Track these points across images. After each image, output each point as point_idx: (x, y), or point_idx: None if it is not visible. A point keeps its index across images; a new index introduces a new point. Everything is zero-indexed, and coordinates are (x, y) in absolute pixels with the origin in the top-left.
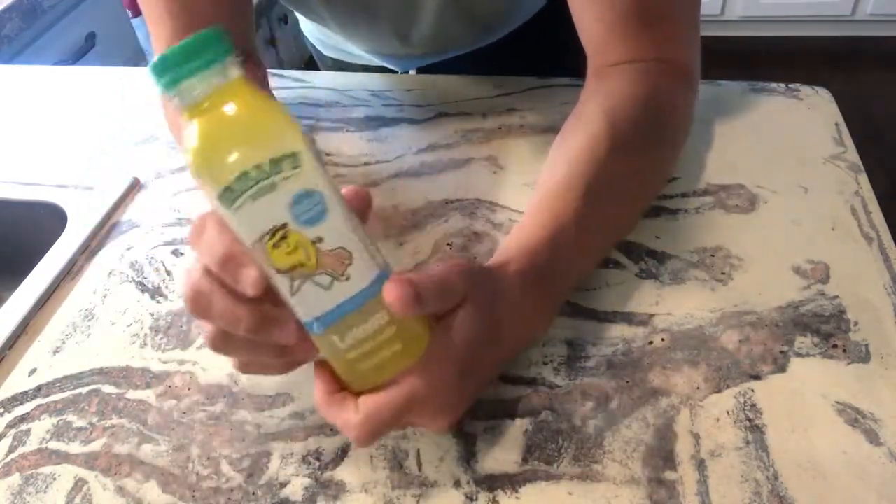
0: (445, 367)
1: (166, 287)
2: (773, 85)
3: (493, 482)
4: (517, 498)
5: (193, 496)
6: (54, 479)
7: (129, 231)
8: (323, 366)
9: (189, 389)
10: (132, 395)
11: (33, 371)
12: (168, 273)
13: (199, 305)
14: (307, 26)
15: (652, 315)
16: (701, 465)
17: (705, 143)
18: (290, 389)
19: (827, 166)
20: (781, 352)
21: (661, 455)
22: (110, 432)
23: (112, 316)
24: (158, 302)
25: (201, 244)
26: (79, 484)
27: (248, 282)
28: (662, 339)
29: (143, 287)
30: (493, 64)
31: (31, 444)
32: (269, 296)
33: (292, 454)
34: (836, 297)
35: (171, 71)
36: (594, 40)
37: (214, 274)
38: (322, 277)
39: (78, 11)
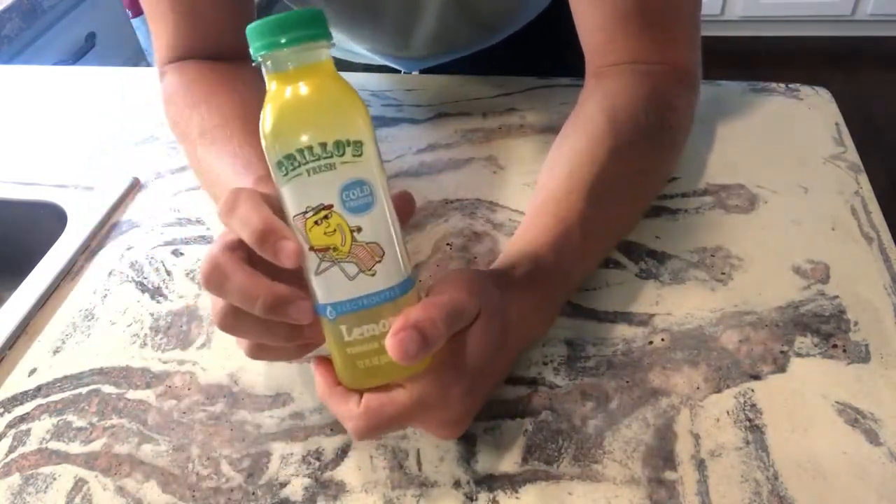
0: (459, 381)
1: (166, 287)
2: (773, 85)
3: (493, 482)
4: (517, 498)
5: (193, 496)
6: (54, 479)
7: (129, 231)
8: (324, 361)
9: (189, 389)
10: (132, 395)
11: (33, 371)
12: (168, 273)
13: (215, 279)
14: None
15: (652, 315)
16: (701, 465)
17: (705, 143)
18: (290, 389)
19: (827, 166)
20: (781, 352)
21: (661, 455)
22: (110, 432)
23: (112, 316)
24: (158, 302)
25: (234, 218)
26: (79, 484)
27: (288, 252)
28: (662, 339)
29: (143, 287)
30: (493, 64)
31: (31, 444)
32: (283, 277)
33: (292, 454)
34: (836, 297)
35: (271, 36)
36: (594, 40)
37: (238, 250)
38: (349, 266)
39: (78, 11)
